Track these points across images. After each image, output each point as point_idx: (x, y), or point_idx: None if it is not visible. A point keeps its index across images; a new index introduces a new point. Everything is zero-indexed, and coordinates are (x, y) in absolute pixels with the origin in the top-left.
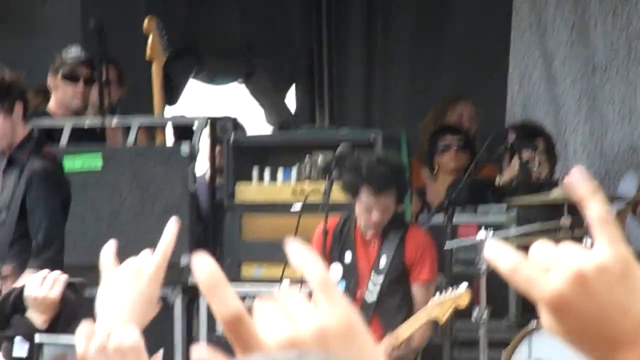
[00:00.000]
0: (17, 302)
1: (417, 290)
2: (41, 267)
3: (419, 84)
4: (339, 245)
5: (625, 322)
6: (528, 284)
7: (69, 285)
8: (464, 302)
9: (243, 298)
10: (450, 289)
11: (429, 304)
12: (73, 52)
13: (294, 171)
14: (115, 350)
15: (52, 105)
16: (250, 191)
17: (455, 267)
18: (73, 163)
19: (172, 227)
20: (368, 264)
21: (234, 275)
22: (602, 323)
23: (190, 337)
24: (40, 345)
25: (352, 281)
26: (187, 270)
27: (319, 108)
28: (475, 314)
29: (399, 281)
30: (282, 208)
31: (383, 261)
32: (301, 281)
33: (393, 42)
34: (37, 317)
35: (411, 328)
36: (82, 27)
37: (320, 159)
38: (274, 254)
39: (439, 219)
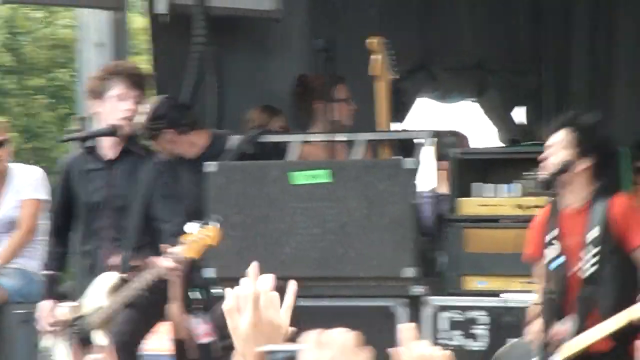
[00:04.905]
0: None
1: (638, 256)
2: None
3: None
4: (550, 224)
5: None
6: None
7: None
8: None
9: (466, 310)
10: None
11: None
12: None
13: (518, 185)
14: None
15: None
16: (472, 204)
17: None
18: (300, 177)
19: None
20: (576, 238)
21: (455, 287)
22: None
23: None
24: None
25: (560, 255)
26: (411, 281)
27: (546, 124)
28: None
29: (612, 251)
30: (505, 222)
31: (594, 233)
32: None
33: (616, 58)
34: None
35: None
36: (310, 46)
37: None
38: (496, 266)
39: None
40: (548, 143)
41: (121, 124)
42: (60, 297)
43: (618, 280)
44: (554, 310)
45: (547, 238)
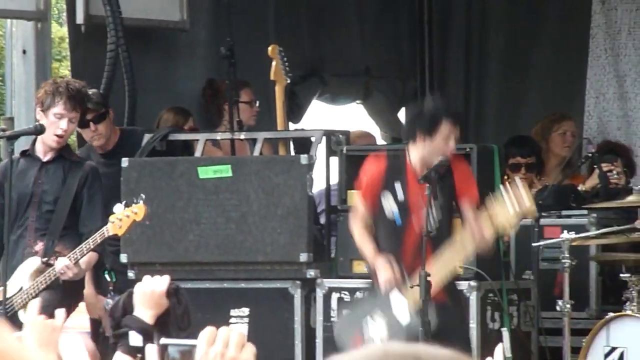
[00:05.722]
0: (126, 305)
1: (468, 207)
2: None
3: (508, 103)
4: (390, 179)
5: None
6: None
7: (176, 290)
8: (532, 212)
9: (354, 291)
10: (507, 192)
11: (493, 211)
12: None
13: None
14: None
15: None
16: None
17: (542, 264)
18: (206, 172)
19: None
20: (421, 197)
21: (346, 270)
22: None
23: (308, 325)
24: (166, 346)
25: (405, 212)
26: (305, 265)
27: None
28: (559, 305)
29: (453, 208)
30: None
31: (437, 189)
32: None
33: (487, 65)
34: (145, 313)
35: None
36: (215, 53)
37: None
38: None
39: (527, 221)
40: (452, 135)
41: (54, 139)
42: None
43: (452, 230)
44: (393, 261)
45: (389, 192)
